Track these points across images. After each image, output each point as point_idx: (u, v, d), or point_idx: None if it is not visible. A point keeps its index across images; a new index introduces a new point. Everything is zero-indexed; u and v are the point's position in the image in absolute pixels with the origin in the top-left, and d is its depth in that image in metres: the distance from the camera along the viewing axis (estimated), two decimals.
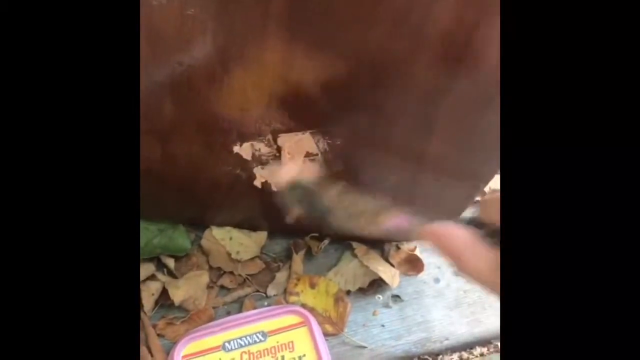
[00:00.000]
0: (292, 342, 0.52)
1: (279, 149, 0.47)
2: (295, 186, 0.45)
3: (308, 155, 0.47)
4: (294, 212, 0.47)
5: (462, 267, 0.29)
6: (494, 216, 0.28)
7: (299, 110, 0.43)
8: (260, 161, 0.48)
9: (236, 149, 0.47)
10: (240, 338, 0.51)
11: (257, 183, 0.51)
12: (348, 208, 0.42)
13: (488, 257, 0.28)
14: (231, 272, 0.58)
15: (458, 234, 0.29)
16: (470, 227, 0.30)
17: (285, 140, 0.46)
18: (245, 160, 0.48)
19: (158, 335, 0.53)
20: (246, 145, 0.46)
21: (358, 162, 0.48)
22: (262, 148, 0.47)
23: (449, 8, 0.34)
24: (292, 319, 0.53)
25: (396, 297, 0.60)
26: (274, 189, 0.50)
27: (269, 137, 0.45)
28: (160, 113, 0.43)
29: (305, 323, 0.53)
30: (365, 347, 0.56)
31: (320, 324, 0.54)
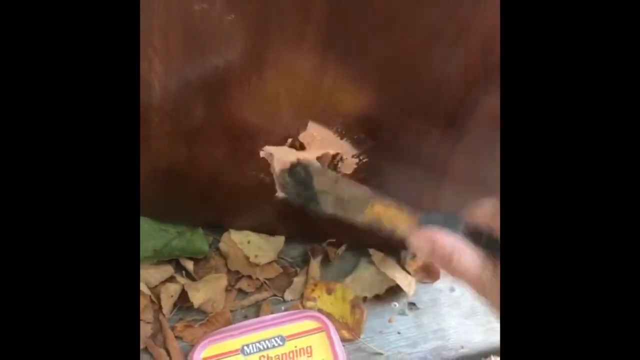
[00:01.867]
0: (310, 347, 0.52)
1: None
2: (295, 165, 0.46)
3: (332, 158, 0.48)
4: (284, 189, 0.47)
5: (452, 268, 0.32)
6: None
7: (329, 118, 0.43)
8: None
9: (262, 153, 0.47)
10: (259, 342, 0.51)
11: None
12: (340, 194, 0.42)
13: (475, 258, 0.31)
14: (249, 276, 0.58)
15: (447, 238, 0.32)
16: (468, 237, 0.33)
17: (308, 137, 0.45)
18: (269, 165, 0.49)
19: (176, 337, 0.53)
20: (267, 148, 0.47)
21: (382, 170, 0.48)
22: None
23: (486, 19, 0.35)
24: (311, 324, 0.53)
25: (412, 305, 0.60)
26: (276, 168, 0.50)
27: (297, 143, 0.46)
28: (190, 115, 0.43)
29: (323, 328, 0.53)
30: (381, 353, 0.56)
31: (337, 329, 0.54)
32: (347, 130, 0.44)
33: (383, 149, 0.46)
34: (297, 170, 0.45)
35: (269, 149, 0.46)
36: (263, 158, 0.48)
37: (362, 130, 0.44)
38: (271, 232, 0.61)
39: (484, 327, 0.59)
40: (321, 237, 0.62)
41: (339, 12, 0.35)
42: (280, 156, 0.46)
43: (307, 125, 0.44)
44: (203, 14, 0.34)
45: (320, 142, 0.45)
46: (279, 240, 0.61)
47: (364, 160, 0.47)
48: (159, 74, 0.39)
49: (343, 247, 0.62)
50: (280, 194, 0.50)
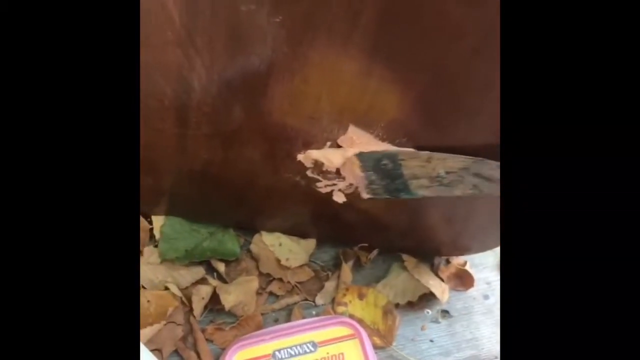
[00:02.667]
0: (342, 353, 0.51)
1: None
2: (380, 159, 0.43)
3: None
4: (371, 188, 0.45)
5: None
6: None
7: (370, 122, 0.42)
8: (321, 169, 0.48)
9: (300, 157, 0.46)
10: (290, 347, 0.51)
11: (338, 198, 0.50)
12: (433, 172, 0.41)
13: None
14: (280, 279, 0.57)
15: None
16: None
17: (348, 141, 0.44)
18: (306, 168, 0.48)
19: (207, 340, 0.52)
20: (310, 152, 0.46)
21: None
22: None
23: None
24: (343, 331, 0.52)
25: (445, 313, 0.59)
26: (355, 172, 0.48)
27: (335, 147, 0.45)
28: (229, 117, 0.42)
29: (355, 335, 0.52)
30: None
31: (368, 336, 0.53)
32: (388, 134, 0.43)
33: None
34: (383, 164, 0.42)
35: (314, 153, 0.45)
36: (299, 161, 0.47)
37: (404, 134, 0.43)
38: (303, 235, 0.60)
39: None
40: (353, 241, 0.61)
41: (388, 16, 0.33)
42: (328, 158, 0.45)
43: (347, 128, 0.43)
44: (249, 15, 0.33)
45: (360, 146, 0.44)
46: (311, 243, 0.60)
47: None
48: (199, 74, 0.38)
49: (375, 252, 0.61)
50: (366, 195, 0.49)
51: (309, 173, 0.48)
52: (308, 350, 0.51)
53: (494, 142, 0.43)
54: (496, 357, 0.56)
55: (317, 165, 0.47)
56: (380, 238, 0.60)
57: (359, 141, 0.44)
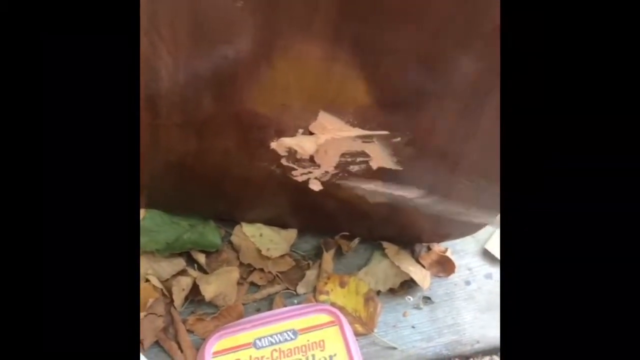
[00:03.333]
0: (322, 340, 0.51)
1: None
2: None
3: (344, 155, 0.47)
4: None
5: None
6: None
7: (340, 108, 0.42)
8: (295, 157, 0.48)
9: (273, 145, 0.46)
10: (271, 335, 0.51)
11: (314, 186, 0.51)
12: None
13: None
14: (261, 269, 0.57)
15: None
16: None
17: (319, 127, 0.45)
18: (280, 157, 0.48)
19: (188, 331, 0.53)
20: (282, 140, 0.46)
21: (395, 160, 0.47)
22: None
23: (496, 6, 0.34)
24: (323, 318, 0.52)
25: (427, 299, 0.59)
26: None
27: (307, 134, 0.45)
28: (199, 107, 0.43)
29: (336, 322, 0.52)
30: (395, 348, 0.55)
31: (350, 323, 0.53)
32: (358, 120, 0.43)
33: (397, 138, 0.45)
34: None
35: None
36: (273, 149, 0.47)
37: (374, 120, 0.43)
38: (283, 225, 0.61)
39: (500, 322, 0.58)
40: (334, 230, 0.61)
41: (350, 2, 0.34)
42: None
43: (317, 115, 0.43)
44: (211, 1, 0.34)
45: (331, 132, 0.44)
46: (292, 233, 0.60)
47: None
48: (166, 62, 0.39)
49: (356, 240, 0.61)
50: None
51: (283, 162, 0.48)
52: (289, 338, 0.51)
53: (462, 126, 0.43)
54: (478, 342, 0.57)
55: (291, 154, 0.47)
56: (361, 226, 0.60)
57: (330, 127, 0.44)
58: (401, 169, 0.48)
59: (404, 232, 0.61)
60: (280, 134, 0.45)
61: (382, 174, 0.49)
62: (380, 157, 0.47)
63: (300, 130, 0.45)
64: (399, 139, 0.45)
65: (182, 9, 0.34)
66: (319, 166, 0.49)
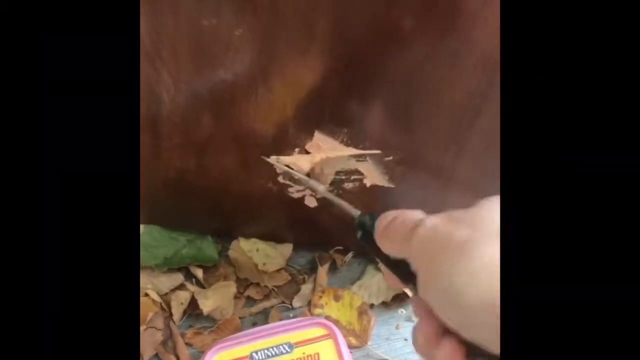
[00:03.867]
0: (317, 353, 0.52)
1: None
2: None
3: (338, 173, 0.49)
4: None
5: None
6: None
7: (334, 128, 0.44)
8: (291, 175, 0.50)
9: (272, 159, 0.48)
10: (267, 349, 0.52)
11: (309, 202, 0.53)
12: None
13: None
14: (257, 284, 0.59)
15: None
16: None
17: (314, 147, 0.46)
18: (277, 174, 0.50)
19: (186, 344, 0.54)
20: (279, 158, 0.48)
21: (387, 178, 0.49)
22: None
23: (486, 30, 0.35)
24: (318, 331, 0.54)
25: None
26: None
27: (303, 153, 0.46)
28: (199, 127, 0.44)
29: (330, 335, 0.53)
30: None
31: (344, 336, 0.55)
32: (352, 139, 0.45)
33: (389, 157, 0.46)
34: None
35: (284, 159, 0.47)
36: (271, 167, 0.49)
37: (367, 139, 0.45)
38: (279, 240, 0.62)
39: None
40: (328, 245, 0.63)
41: (343, 27, 0.35)
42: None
43: (313, 135, 0.45)
44: (211, 28, 0.35)
45: (326, 151, 0.46)
46: (287, 247, 0.62)
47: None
48: (167, 86, 0.40)
49: (350, 254, 0.63)
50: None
51: (280, 179, 0.50)
52: (284, 351, 0.52)
53: (452, 145, 0.45)
54: None
55: (288, 171, 0.49)
56: (355, 241, 0.62)
57: (325, 146, 0.45)
58: (393, 186, 0.50)
59: None
60: (277, 152, 0.47)
61: (376, 192, 0.50)
62: (373, 175, 0.49)
63: (297, 149, 0.46)
64: (391, 157, 0.46)
65: (184, 35, 0.36)
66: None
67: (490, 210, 0.27)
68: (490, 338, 0.24)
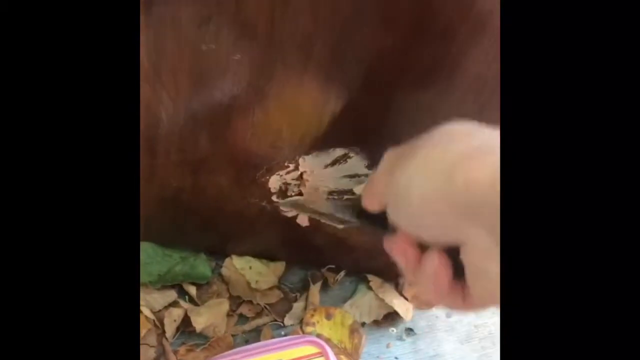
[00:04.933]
0: None
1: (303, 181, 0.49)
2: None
3: (332, 192, 0.50)
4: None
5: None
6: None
7: (329, 148, 0.45)
8: (285, 194, 0.51)
9: (264, 181, 0.49)
10: None
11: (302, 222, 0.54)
12: None
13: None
14: (250, 301, 0.59)
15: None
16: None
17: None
18: (271, 193, 0.50)
19: None
20: (274, 177, 0.49)
21: None
22: (289, 179, 0.49)
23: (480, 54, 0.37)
24: (310, 349, 0.54)
25: (409, 330, 0.61)
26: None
27: (297, 172, 0.48)
28: (196, 147, 0.45)
29: (322, 353, 0.54)
30: None
31: (335, 354, 0.55)
32: (348, 159, 0.46)
33: None
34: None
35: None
36: (265, 186, 0.49)
37: (363, 160, 0.46)
38: (272, 258, 0.63)
39: (479, 354, 0.60)
40: (321, 263, 0.63)
41: (338, 51, 0.37)
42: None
43: (308, 153, 0.46)
44: (210, 53, 0.36)
45: (319, 170, 0.47)
46: (280, 266, 0.62)
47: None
48: (166, 107, 0.41)
49: (342, 273, 0.64)
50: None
51: (274, 198, 0.51)
52: None
53: None
54: None
55: (282, 191, 0.50)
56: (347, 260, 0.63)
57: (319, 166, 0.47)
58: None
59: (388, 265, 0.63)
60: (272, 171, 0.48)
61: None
62: None
63: (291, 167, 0.47)
64: None
65: (184, 60, 0.37)
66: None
67: (438, 132, 0.30)
68: (438, 234, 0.28)
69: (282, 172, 0.48)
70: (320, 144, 0.45)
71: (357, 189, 0.49)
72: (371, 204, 0.35)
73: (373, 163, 0.46)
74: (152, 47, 0.36)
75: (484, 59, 0.37)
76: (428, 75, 0.39)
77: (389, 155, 0.34)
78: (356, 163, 0.46)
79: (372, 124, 0.43)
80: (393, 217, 0.31)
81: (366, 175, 0.47)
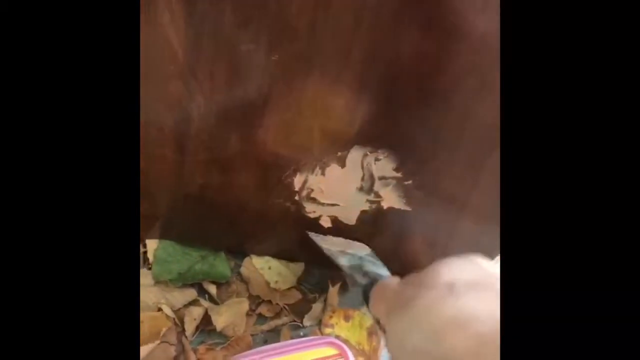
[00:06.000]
0: None
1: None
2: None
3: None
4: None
5: None
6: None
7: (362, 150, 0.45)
8: (309, 195, 0.51)
9: (289, 182, 0.49)
10: None
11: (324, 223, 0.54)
12: None
13: None
14: (269, 301, 0.59)
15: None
16: None
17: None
18: (295, 193, 0.50)
19: None
20: (298, 177, 0.49)
21: (405, 201, 0.50)
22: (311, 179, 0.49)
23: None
24: (329, 351, 0.54)
25: None
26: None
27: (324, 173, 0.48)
28: (225, 145, 0.45)
29: (342, 355, 0.54)
30: None
31: (354, 356, 0.55)
32: (377, 162, 0.46)
33: (408, 181, 0.48)
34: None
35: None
36: (289, 186, 0.50)
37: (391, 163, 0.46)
38: (291, 259, 0.63)
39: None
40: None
41: (374, 57, 0.37)
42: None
43: (336, 155, 0.46)
44: (249, 54, 0.36)
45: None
46: (299, 266, 0.62)
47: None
48: (199, 105, 0.41)
49: None
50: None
51: (297, 198, 0.51)
52: None
53: (469, 175, 0.46)
54: None
55: (307, 192, 0.50)
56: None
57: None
58: (410, 209, 0.51)
59: (406, 268, 0.63)
60: (299, 172, 0.48)
61: (392, 215, 0.51)
62: (391, 198, 0.50)
63: (318, 170, 0.47)
64: (410, 181, 0.48)
65: (222, 59, 0.37)
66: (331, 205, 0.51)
67: (436, 270, 0.33)
68: None
69: (309, 173, 0.48)
70: (350, 146, 0.45)
71: (383, 192, 0.49)
72: (377, 310, 0.39)
73: (401, 166, 0.46)
74: (190, 45, 0.37)
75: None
76: (462, 81, 0.39)
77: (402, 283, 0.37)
78: (384, 165, 0.46)
79: (402, 129, 0.43)
80: (389, 347, 0.34)
81: (393, 178, 0.47)
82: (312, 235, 0.54)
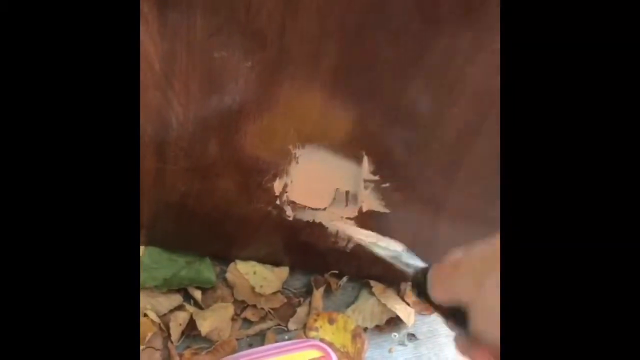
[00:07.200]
0: None
1: None
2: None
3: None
4: None
5: None
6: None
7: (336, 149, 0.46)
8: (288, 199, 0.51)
9: (270, 186, 0.50)
10: None
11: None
12: None
13: None
14: (254, 306, 0.60)
15: None
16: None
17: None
18: (276, 197, 0.51)
19: None
20: (278, 181, 0.50)
21: (384, 204, 0.51)
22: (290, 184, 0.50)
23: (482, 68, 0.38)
24: (314, 353, 0.55)
25: (411, 336, 0.62)
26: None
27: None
28: (205, 152, 0.46)
29: (326, 357, 0.55)
30: None
31: (338, 358, 0.56)
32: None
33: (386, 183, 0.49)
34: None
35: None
36: (270, 191, 0.50)
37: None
38: (276, 263, 0.63)
39: None
40: (324, 268, 0.64)
41: (346, 59, 0.38)
42: None
43: (314, 156, 0.47)
44: (222, 61, 0.37)
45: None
46: (284, 271, 0.63)
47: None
48: (177, 113, 0.42)
49: (345, 279, 0.64)
50: None
51: (278, 202, 0.52)
52: None
53: (443, 176, 0.47)
54: None
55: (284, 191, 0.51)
56: (349, 265, 0.63)
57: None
58: (389, 211, 0.52)
59: (390, 271, 0.64)
60: (278, 176, 0.49)
61: (372, 219, 0.52)
62: (370, 201, 0.51)
63: (297, 174, 0.48)
64: (388, 184, 0.49)
65: (196, 67, 0.38)
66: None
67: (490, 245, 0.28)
68: None
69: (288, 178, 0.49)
70: (327, 145, 0.46)
71: (363, 195, 0.50)
72: (439, 299, 0.31)
73: (378, 169, 0.47)
74: (165, 55, 0.37)
75: (485, 72, 0.38)
76: (432, 85, 0.40)
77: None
78: (362, 169, 0.47)
79: (379, 131, 0.44)
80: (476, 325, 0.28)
81: (371, 182, 0.48)
82: (344, 226, 0.52)
